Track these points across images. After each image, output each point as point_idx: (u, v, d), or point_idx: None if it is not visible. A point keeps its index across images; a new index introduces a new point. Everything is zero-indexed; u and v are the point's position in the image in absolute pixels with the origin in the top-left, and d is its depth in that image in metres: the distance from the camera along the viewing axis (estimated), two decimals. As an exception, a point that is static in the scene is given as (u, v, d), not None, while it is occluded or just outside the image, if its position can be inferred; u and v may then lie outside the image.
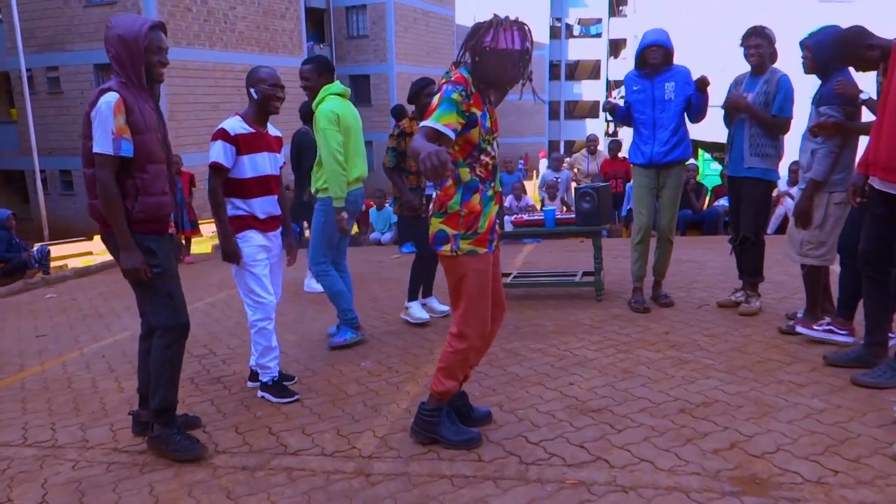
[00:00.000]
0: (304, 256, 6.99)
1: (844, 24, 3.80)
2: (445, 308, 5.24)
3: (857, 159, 3.74)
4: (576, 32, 47.13)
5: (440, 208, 2.86)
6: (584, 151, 11.03)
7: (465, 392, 3.23)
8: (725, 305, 5.05)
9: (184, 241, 9.31)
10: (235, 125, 3.60)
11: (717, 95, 4.69)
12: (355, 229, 4.94)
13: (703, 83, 4.63)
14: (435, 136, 2.62)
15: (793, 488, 2.54)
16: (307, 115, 6.69)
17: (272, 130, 3.80)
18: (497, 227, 2.96)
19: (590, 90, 46.03)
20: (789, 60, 4.49)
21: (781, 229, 8.84)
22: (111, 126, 2.82)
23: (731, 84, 4.71)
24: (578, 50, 46.50)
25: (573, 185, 10.30)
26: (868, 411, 3.14)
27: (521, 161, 28.04)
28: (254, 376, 3.93)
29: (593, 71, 46.80)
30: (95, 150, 2.84)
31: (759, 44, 4.48)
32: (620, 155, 10.48)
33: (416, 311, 5.13)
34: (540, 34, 42.07)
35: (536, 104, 42.43)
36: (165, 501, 2.77)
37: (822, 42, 3.93)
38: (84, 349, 5.14)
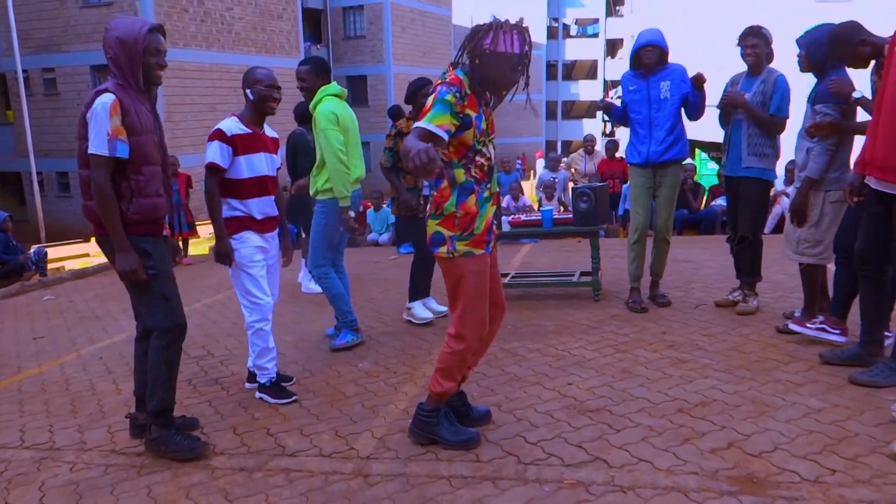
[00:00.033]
0: (298, 257, 7.03)
1: (841, 24, 3.80)
2: (443, 308, 5.24)
3: (853, 158, 3.75)
4: (573, 32, 47.20)
5: (436, 210, 2.86)
6: (581, 151, 11.04)
7: (464, 392, 3.23)
8: (723, 305, 5.06)
9: (181, 243, 9.30)
10: (232, 126, 3.60)
11: (713, 95, 4.69)
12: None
13: (699, 80, 4.64)
14: (428, 137, 2.63)
15: (790, 487, 2.54)
16: (302, 115, 6.68)
17: (269, 132, 3.81)
18: (494, 227, 2.96)
19: (587, 90, 46.08)
20: (786, 60, 4.50)
21: (778, 228, 8.85)
22: (107, 127, 2.82)
23: (727, 83, 4.72)
24: (575, 50, 46.56)
25: (570, 185, 10.30)
26: (866, 410, 3.15)
27: (519, 161, 28.05)
28: (252, 377, 3.92)
29: (590, 71, 46.86)
30: (91, 150, 2.84)
31: (755, 44, 4.49)
32: (617, 155, 10.49)
33: (419, 311, 5.14)
34: (537, 34, 42.11)
35: (534, 104, 42.47)
36: (163, 503, 2.76)
37: (817, 40, 3.94)
38: (81, 351, 5.13)
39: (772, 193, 6.79)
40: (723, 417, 3.17)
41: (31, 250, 10.18)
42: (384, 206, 10.98)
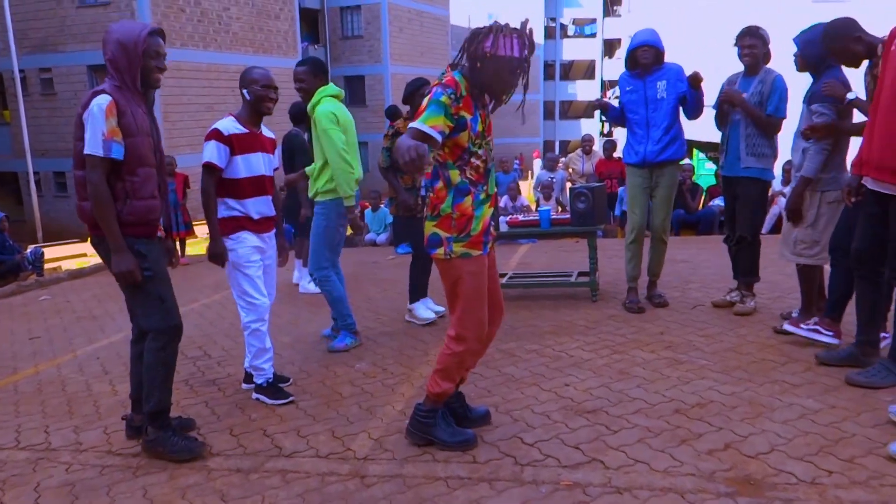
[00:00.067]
0: (292, 257, 7.02)
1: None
2: (441, 309, 5.24)
3: (850, 159, 3.75)
4: (570, 32, 47.20)
5: (433, 211, 2.86)
6: (579, 151, 11.04)
7: (462, 393, 3.23)
8: (720, 305, 5.06)
9: (178, 243, 9.29)
10: (229, 125, 3.60)
11: (710, 96, 4.70)
12: (349, 231, 4.94)
13: (695, 79, 4.63)
14: (421, 137, 2.63)
15: (787, 489, 2.54)
16: (298, 116, 6.68)
17: (266, 132, 3.80)
18: (492, 228, 2.96)
19: (585, 90, 46.09)
20: (783, 60, 4.50)
21: (776, 229, 8.86)
22: (102, 128, 2.82)
23: (724, 83, 4.72)
24: (573, 50, 46.56)
25: (568, 185, 10.30)
26: (862, 411, 3.15)
27: (517, 161, 28.05)
28: (248, 378, 3.92)
29: (588, 71, 46.88)
30: (86, 151, 2.84)
31: (753, 44, 4.49)
32: (615, 155, 10.50)
33: (421, 311, 5.15)
34: (534, 34, 42.09)
35: (531, 104, 42.52)
36: (159, 505, 2.76)
37: (812, 40, 3.94)
38: (78, 351, 5.12)
39: (770, 194, 6.80)
40: (720, 419, 3.17)
41: (28, 250, 10.15)
42: (382, 206, 10.98)
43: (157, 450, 3.10)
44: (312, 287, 6.39)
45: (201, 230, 11.00)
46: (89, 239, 3.09)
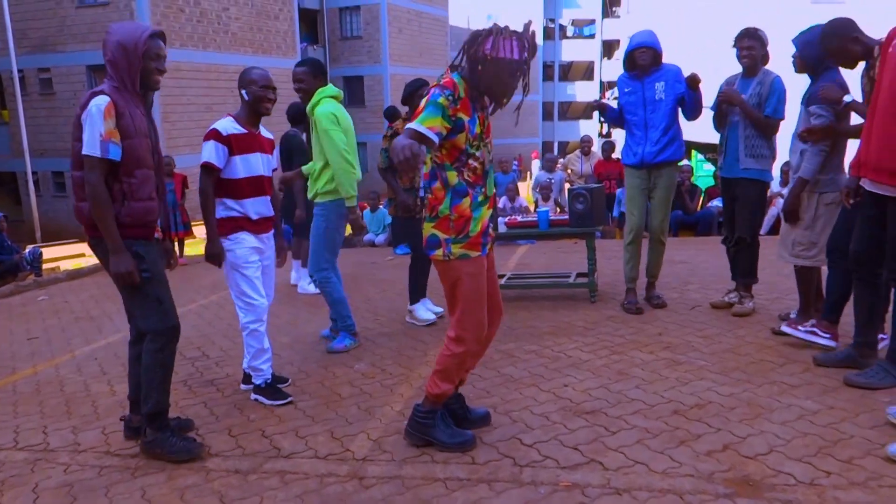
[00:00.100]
0: (290, 257, 7.01)
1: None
2: (440, 309, 5.24)
3: (848, 160, 3.76)
4: (569, 33, 47.22)
5: (431, 212, 2.86)
6: (577, 152, 11.05)
7: (461, 395, 3.23)
8: (719, 306, 5.06)
9: (176, 244, 9.28)
10: (228, 126, 3.60)
11: (708, 97, 4.70)
12: (348, 231, 4.96)
13: (693, 81, 4.64)
14: (418, 138, 2.63)
15: (786, 490, 2.54)
16: (296, 116, 6.67)
17: (264, 132, 3.80)
18: (490, 230, 2.96)
19: (583, 91, 46.11)
20: (782, 62, 4.50)
21: (774, 230, 8.86)
22: (100, 129, 2.81)
23: (722, 84, 4.72)
24: (572, 51, 46.58)
25: (567, 186, 10.31)
26: (861, 412, 3.15)
27: (515, 162, 28.05)
28: (247, 379, 3.91)
29: (587, 72, 46.89)
30: (84, 151, 2.84)
31: (751, 45, 4.49)
32: (614, 156, 10.51)
33: (421, 312, 5.15)
34: (537, 36, 42.13)
35: (530, 105, 42.52)
36: (158, 506, 2.76)
37: (811, 42, 3.95)
38: (76, 352, 5.12)
39: (768, 195, 6.81)
40: (718, 419, 3.17)
41: (27, 250, 10.13)
42: (381, 206, 10.98)
43: (156, 451, 3.10)
44: (311, 288, 6.39)
45: (200, 230, 11.00)
46: (87, 241, 3.09)
